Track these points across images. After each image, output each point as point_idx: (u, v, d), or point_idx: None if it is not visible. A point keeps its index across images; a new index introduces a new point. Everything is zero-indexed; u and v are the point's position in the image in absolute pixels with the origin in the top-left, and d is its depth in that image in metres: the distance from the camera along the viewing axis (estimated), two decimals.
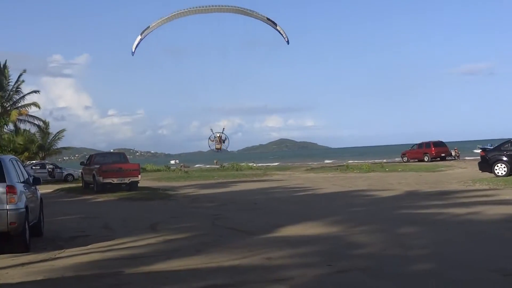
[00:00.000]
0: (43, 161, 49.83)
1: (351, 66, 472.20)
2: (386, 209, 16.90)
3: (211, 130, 40.67)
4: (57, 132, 57.98)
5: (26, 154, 52.20)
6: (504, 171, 25.94)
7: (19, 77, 51.27)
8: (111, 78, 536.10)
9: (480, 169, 27.78)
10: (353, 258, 9.42)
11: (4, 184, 10.78)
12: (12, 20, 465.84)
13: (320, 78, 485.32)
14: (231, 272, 8.65)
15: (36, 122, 54.52)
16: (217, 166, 63.30)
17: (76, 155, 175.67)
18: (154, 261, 9.66)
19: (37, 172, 40.56)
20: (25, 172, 13.13)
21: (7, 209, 10.63)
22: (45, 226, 14.04)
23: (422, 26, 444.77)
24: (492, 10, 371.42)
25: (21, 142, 53.15)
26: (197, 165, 78.25)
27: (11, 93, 50.95)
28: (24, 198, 11.31)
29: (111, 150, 71.86)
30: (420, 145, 54.65)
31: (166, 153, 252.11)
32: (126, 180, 28.65)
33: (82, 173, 33.56)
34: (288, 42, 37.54)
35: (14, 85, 51.14)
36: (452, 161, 50.33)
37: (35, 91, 53.18)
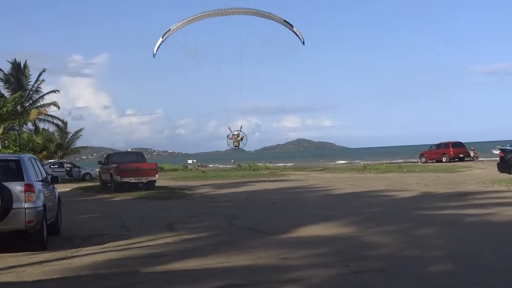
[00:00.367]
0: (61, 160, 50.15)
1: (370, 66, 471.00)
2: (403, 210, 16.80)
3: (229, 128, 41.74)
4: (76, 132, 58.42)
5: (44, 153, 52.56)
6: None
7: (38, 76, 51.59)
8: (129, 77, 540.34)
9: (498, 170, 27.54)
10: (369, 258, 9.36)
11: (23, 183, 10.86)
12: (33, 21, 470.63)
13: (339, 78, 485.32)
14: (247, 271, 8.64)
15: (55, 121, 54.96)
16: (234, 166, 63.37)
17: (94, 154, 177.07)
18: (170, 260, 9.67)
19: (55, 171, 40.84)
20: (44, 171, 13.21)
21: (25, 208, 10.70)
22: (62, 225, 14.11)
23: (439, 28, 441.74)
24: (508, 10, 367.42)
25: (40, 141, 53.58)
26: (214, 165, 78.40)
27: (31, 92, 51.33)
28: (42, 196, 11.38)
29: (129, 150, 72.32)
30: (439, 146, 54.23)
31: (183, 152, 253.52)
32: (144, 180, 28.72)
33: (99, 172, 33.71)
34: (303, 43, 38.37)
35: (34, 84, 51.52)
36: (470, 162, 49.88)
37: (54, 91, 53.44)
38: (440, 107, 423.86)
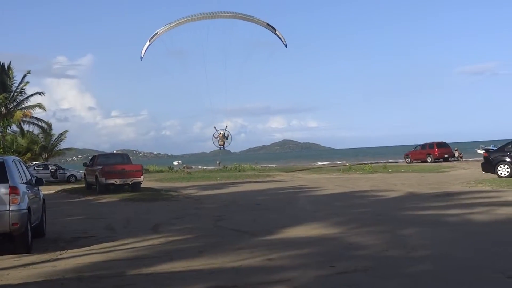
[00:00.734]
0: (46, 162, 49.89)
1: (354, 67, 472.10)
2: (388, 210, 16.87)
3: (215, 128, 43.93)
4: (60, 133, 58.08)
5: (29, 155, 52.19)
6: (507, 172, 25.87)
7: (23, 78, 51.20)
8: (114, 79, 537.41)
9: (483, 170, 27.70)
10: (355, 259, 9.40)
11: (7, 185, 10.80)
12: (17, 22, 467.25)
13: (324, 79, 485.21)
14: (233, 273, 8.64)
15: (39, 123, 54.57)
16: (220, 167, 63.28)
17: (79, 156, 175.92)
18: (156, 262, 9.66)
19: (40, 173, 40.55)
20: (28, 173, 13.14)
21: (9, 210, 10.65)
22: (47, 227, 14.04)
23: (424, 27, 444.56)
24: (495, 10, 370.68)
25: (24, 143, 53.20)
26: (200, 166, 78.19)
27: (15, 94, 50.94)
28: (26, 199, 11.32)
29: (114, 151, 71.94)
30: (423, 146, 54.64)
31: (169, 154, 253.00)
32: (129, 181, 28.64)
33: (85, 174, 33.57)
34: (286, 45, 40.08)
35: (18, 86, 51.11)
36: (455, 162, 50.29)
37: (39, 93, 53.22)
38: (426, 108, 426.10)
